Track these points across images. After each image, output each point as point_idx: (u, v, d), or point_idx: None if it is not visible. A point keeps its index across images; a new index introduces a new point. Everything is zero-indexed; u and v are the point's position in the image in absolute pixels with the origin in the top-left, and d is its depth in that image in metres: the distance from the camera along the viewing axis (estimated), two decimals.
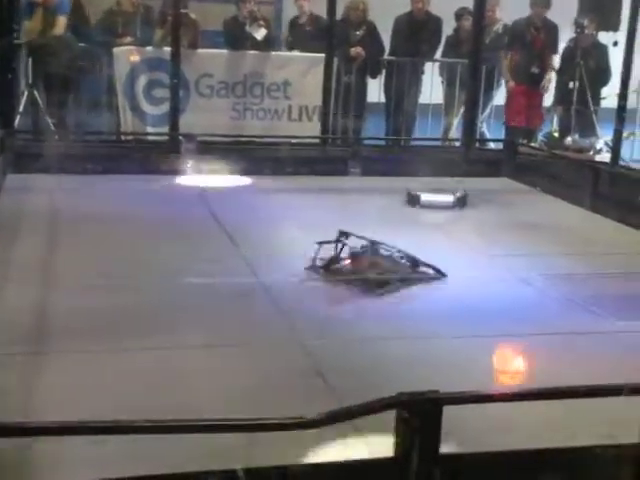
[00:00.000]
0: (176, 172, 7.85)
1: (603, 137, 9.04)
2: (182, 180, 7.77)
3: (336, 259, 5.10)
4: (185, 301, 4.50)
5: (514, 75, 9.92)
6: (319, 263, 5.10)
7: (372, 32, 9.84)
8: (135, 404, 3.13)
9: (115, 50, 9.16)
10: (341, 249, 5.15)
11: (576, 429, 3.05)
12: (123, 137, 9.22)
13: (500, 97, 10.41)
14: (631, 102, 8.53)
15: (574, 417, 3.08)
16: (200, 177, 7.78)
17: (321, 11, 9.08)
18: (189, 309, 4.38)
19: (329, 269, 5.06)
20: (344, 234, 5.20)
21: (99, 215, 6.20)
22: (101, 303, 4.36)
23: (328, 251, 5.14)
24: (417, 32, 10.01)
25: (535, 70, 9.78)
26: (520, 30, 9.93)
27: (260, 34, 9.48)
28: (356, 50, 9.62)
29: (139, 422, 2.26)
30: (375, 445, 2.78)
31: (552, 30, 9.97)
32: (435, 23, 10.15)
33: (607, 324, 4.46)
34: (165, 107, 8.81)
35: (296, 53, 9.76)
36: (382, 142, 9.90)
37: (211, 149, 8.14)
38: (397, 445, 2.40)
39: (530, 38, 9.81)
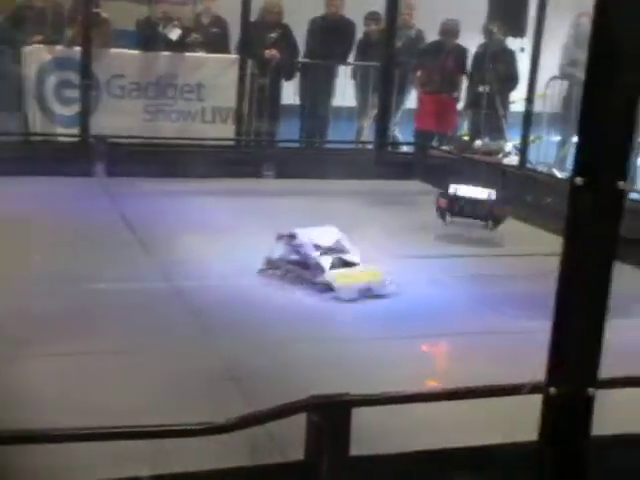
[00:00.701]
0: (87, 174, 7.71)
1: (511, 140, 9.24)
2: (93, 183, 7.64)
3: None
4: (95, 307, 4.43)
5: (424, 88, 10.12)
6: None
7: (287, 35, 9.86)
8: (44, 410, 3.06)
9: (24, 49, 8.94)
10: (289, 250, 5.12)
11: (486, 428, 3.11)
12: (32, 138, 9.01)
13: (413, 101, 10.56)
14: (538, 107, 8.75)
15: (485, 416, 3.13)
16: (112, 180, 7.67)
17: (235, 12, 9.04)
18: (99, 315, 4.32)
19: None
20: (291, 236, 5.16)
21: (6, 218, 6.04)
22: (6, 309, 4.25)
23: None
24: (331, 35, 10.06)
25: (444, 96, 9.98)
26: (431, 53, 10.14)
27: (175, 34, 9.40)
28: (271, 52, 9.62)
29: (45, 430, 2.22)
30: (286, 448, 2.78)
31: (461, 54, 10.21)
32: (348, 27, 10.23)
33: (518, 324, 4.54)
34: (76, 108, 8.65)
35: (210, 54, 9.69)
36: (296, 144, 9.93)
37: (123, 151, 8.03)
38: (307, 448, 2.42)
39: (439, 62, 10.01)
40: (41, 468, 2.54)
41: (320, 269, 4.89)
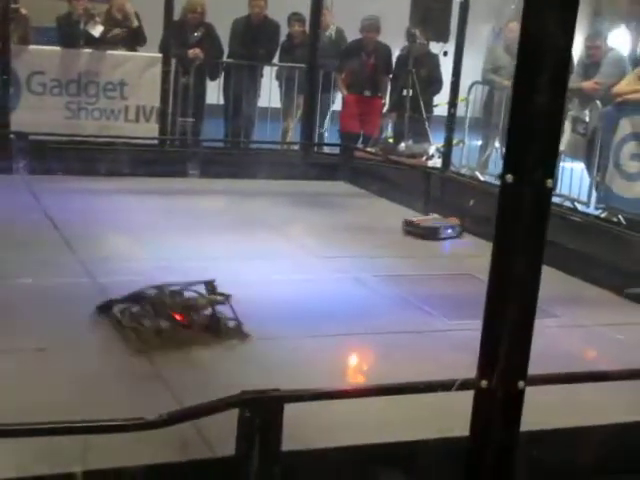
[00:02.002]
0: (7, 171, 7.56)
1: (435, 143, 9.38)
2: (14, 180, 7.49)
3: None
4: (15, 303, 4.35)
5: (349, 90, 10.17)
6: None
7: (210, 34, 9.82)
8: None
9: None
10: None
11: (412, 424, 3.15)
12: None
13: (338, 102, 10.63)
14: (461, 111, 8.91)
15: (410, 412, 3.17)
16: (34, 177, 7.53)
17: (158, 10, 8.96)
18: (19, 311, 4.23)
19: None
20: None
21: None
22: None
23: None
24: (254, 36, 10.06)
25: (367, 93, 10.05)
26: (352, 53, 10.19)
27: (97, 31, 9.27)
28: (194, 52, 9.57)
29: None
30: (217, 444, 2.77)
31: (384, 52, 10.28)
32: (272, 28, 10.23)
33: (439, 323, 4.63)
34: None
35: (133, 52, 9.59)
36: (221, 144, 9.90)
37: (45, 148, 7.89)
38: (238, 443, 2.42)
39: (362, 61, 10.07)
40: None
41: None
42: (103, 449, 2.51)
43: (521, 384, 1.87)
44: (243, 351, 3.94)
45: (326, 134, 10.49)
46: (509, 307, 1.89)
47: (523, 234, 1.85)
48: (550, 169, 1.87)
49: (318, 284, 5.22)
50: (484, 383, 1.88)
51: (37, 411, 2.77)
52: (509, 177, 1.83)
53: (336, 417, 3.02)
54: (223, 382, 3.33)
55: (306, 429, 2.85)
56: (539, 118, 1.87)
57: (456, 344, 4.23)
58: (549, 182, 1.82)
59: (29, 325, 4.06)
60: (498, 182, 1.82)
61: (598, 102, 8.25)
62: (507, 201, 1.88)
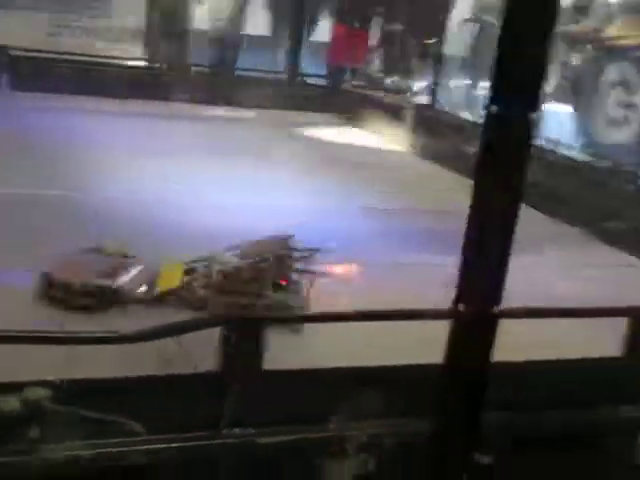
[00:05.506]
0: None
1: (422, 80, 9.34)
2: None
3: None
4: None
5: (338, 17, 10.07)
6: None
7: None
8: None
9: None
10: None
11: (394, 351, 3.19)
12: None
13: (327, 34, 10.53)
14: (449, 50, 8.87)
15: (393, 340, 3.21)
16: (16, 94, 7.47)
17: None
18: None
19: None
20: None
21: None
22: None
23: None
24: None
25: (356, 25, 9.95)
26: None
27: None
28: None
29: None
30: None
31: None
32: None
33: (425, 257, 4.66)
34: None
35: None
36: (208, 70, 9.81)
37: (28, 65, 7.81)
38: (221, 361, 2.49)
39: None
40: None
41: None
42: (84, 359, 2.55)
43: (496, 309, 1.95)
44: None
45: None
46: (488, 235, 1.95)
47: (504, 164, 1.90)
48: (533, 103, 1.92)
49: (308, 215, 5.21)
50: (461, 307, 1.95)
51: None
52: (494, 108, 1.87)
53: (323, 341, 3.08)
54: None
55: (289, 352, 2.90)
56: (525, 52, 1.91)
57: (440, 278, 4.27)
58: (533, 115, 1.87)
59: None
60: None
61: (588, 46, 8.24)
62: (491, 132, 1.92)
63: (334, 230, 4.97)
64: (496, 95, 1.95)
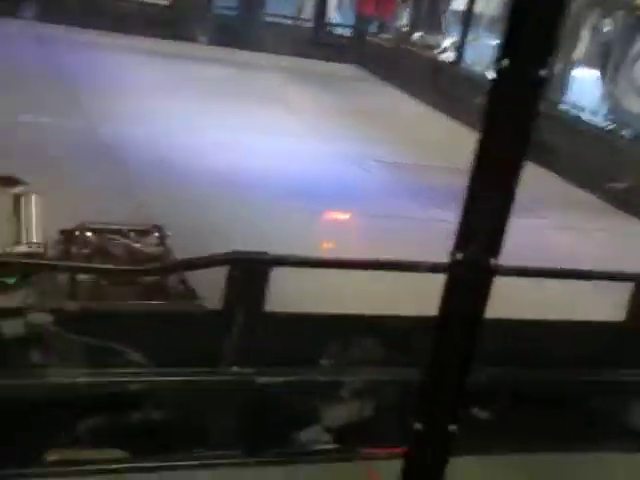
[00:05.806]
0: (12, 14, 7.49)
1: (450, 37, 9.24)
2: (20, 25, 7.42)
3: None
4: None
5: None
6: None
7: None
8: None
9: None
10: None
11: (390, 301, 3.23)
12: None
13: None
14: (478, 7, 8.76)
15: (389, 289, 3.24)
16: (40, 25, 7.47)
17: None
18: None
19: None
20: None
21: None
22: None
23: None
24: None
25: None
26: None
27: None
28: None
29: None
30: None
31: None
32: None
33: (431, 212, 4.68)
34: None
35: None
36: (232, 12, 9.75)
37: None
38: (225, 299, 2.52)
39: None
40: None
41: None
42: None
43: (493, 261, 1.94)
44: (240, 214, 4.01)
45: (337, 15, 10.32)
46: (490, 185, 1.95)
47: (511, 119, 1.90)
48: (545, 59, 1.90)
49: (319, 165, 5.23)
50: (459, 255, 1.95)
51: None
52: (505, 61, 1.86)
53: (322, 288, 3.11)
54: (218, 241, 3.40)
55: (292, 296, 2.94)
56: (539, 6, 1.89)
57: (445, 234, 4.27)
58: (543, 72, 1.86)
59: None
60: None
61: (621, 13, 8.11)
62: (499, 85, 1.92)
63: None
64: (506, 49, 1.93)
